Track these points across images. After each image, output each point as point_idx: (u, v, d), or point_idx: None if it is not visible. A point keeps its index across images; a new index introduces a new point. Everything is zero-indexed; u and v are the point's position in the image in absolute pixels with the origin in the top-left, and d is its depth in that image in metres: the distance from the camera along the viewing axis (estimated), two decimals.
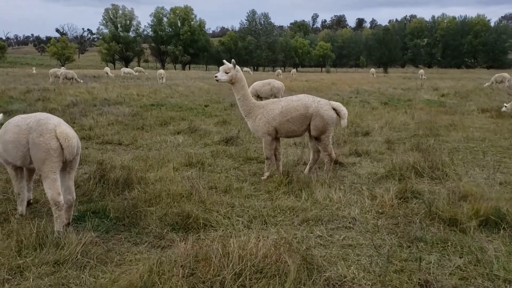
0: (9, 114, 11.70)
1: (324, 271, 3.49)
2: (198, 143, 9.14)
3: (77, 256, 3.70)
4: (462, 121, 11.92)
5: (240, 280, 3.25)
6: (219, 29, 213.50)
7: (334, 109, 6.32)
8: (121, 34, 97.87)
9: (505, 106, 13.36)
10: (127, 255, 3.90)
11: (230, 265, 3.35)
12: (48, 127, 4.19)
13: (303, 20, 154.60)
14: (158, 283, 3.22)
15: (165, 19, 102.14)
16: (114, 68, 79.10)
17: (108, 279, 3.39)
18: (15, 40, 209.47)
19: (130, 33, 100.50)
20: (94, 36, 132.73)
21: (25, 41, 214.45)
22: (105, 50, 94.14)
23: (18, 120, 4.36)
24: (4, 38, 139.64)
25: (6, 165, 4.66)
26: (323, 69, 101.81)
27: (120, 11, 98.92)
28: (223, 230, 4.42)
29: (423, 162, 6.54)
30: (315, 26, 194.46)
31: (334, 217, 4.80)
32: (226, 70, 6.31)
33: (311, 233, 4.39)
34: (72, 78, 26.68)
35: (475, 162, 7.43)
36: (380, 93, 22.86)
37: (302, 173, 6.42)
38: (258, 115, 6.36)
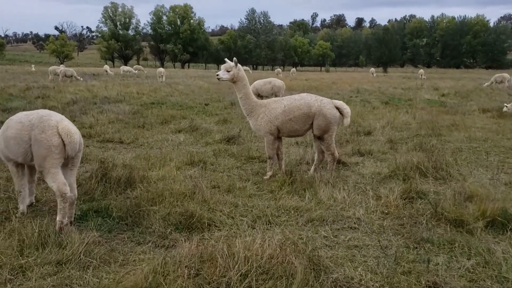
0: (8, 111, 11.65)
1: (331, 273, 3.45)
2: (200, 141, 9.09)
3: (80, 256, 3.64)
4: (464, 121, 11.88)
5: (246, 281, 3.20)
6: (218, 28, 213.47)
7: (337, 108, 6.27)
8: (121, 32, 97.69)
9: (506, 106, 13.33)
10: (130, 255, 3.85)
11: (236, 266, 3.30)
12: (50, 124, 4.22)
13: (303, 19, 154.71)
14: (164, 284, 3.17)
15: (164, 18, 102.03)
16: (113, 66, 78.94)
17: (112, 279, 3.34)
18: (13, 38, 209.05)
19: (130, 31, 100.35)
20: (93, 34, 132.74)
21: (23, 39, 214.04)
22: (104, 48, 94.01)
23: (21, 116, 4.39)
24: (2, 35, 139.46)
25: (7, 162, 4.65)
26: (323, 68, 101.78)
27: (120, 9, 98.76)
28: (227, 230, 4.37)
29: (427, 162, 6.49)
30: (314, 25, 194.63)
31: (339, 217, 4.76)
32: (228, 68, 6.26)
33: (316, 233, 4.34)
34: (71, 76, 26.62)
35: (479, 162, 7.39)
36: (380, 92, 22.82)
37: (306, 173, 6.37)
38: (260, 114, 6.30)
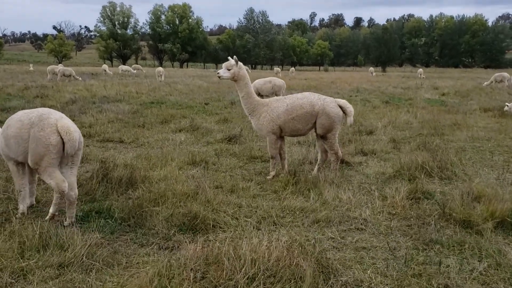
0: (7, 111, 11.54)
1: (340, 276, 3.37)
2: (200, 141, 9.00)
3: (82, 258, 3.55)
4: (466, 120, 11.82)
5: (254, 285, 3.12)
6: (217, 27, 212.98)
7: (340, 106, 6.19)
8: (119, 31, 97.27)
9: (507, 106, 13.27)
10: (134, 257, 3.75)
11: (243, 269, 3.21)
12: (50, 122, 4.19)
13: (301, 19, 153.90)
14: (169, 287, 3.08)
15: (163, 17, 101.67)
16: (112, 66, 78.70)
17: (116, 283, 3.25)
18: (11, 37, 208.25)
19: (128, 30, 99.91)
20: (92, 33, 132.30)
21: (22, 38, 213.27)
22: (102, 48, 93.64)
23: (21, 115, 4.35)
24: (0, 35, 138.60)
25: (8, 161, 4.60)
26: (321, 67, 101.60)
27: (118, 9, 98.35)
28: (232, 232, 4.28)
29: (432, 161, 6.42)
30: (313, 24, 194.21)
31: (345, 218, 4.68)
32: (228, 67, 6.17)
33: (323, 235, 4.26)
34: (70, 75, 26.47)
35: (483, 162, 7.32)
36: (380, 91, 22.75)
37: (309, 173, 6.29)
38: (262, 113, 6.21)
